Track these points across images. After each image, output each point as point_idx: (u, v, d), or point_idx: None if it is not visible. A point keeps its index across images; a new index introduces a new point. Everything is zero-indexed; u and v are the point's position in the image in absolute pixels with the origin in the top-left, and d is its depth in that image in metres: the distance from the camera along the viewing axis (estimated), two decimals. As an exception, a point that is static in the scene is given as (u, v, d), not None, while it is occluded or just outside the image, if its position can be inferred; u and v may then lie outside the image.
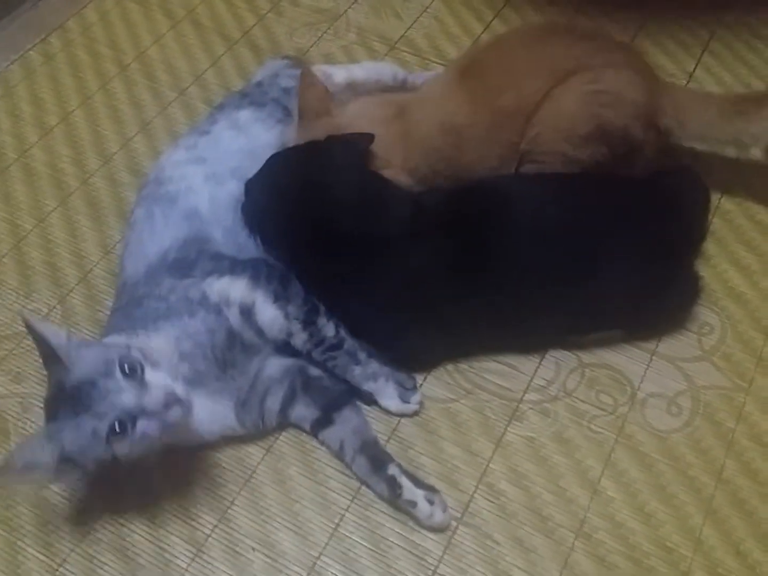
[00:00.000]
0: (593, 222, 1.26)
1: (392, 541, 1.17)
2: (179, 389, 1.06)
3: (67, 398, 1.04)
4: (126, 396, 1.03)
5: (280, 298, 1.23)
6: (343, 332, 1.26)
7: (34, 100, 1.73)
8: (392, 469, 1.19)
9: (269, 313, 1.22)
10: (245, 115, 1.43)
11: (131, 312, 1.22)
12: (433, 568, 1.15)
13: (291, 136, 1.36)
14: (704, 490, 1.20)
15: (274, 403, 1.23)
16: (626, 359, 1.33)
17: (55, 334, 1.07)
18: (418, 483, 1.18)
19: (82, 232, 1.52)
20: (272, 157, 1.29)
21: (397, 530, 1.18)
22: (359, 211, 1.23)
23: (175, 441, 1.13)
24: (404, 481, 1.18)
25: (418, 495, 1.17)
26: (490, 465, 1.23)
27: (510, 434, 1.26)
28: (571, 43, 1.36)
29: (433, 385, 1.31)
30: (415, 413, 1.28)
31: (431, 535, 1.17)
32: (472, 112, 1.33)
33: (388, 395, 1.27)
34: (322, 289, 1.25)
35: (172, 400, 1.04)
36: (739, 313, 1.37)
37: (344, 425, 1.23)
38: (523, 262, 1.23)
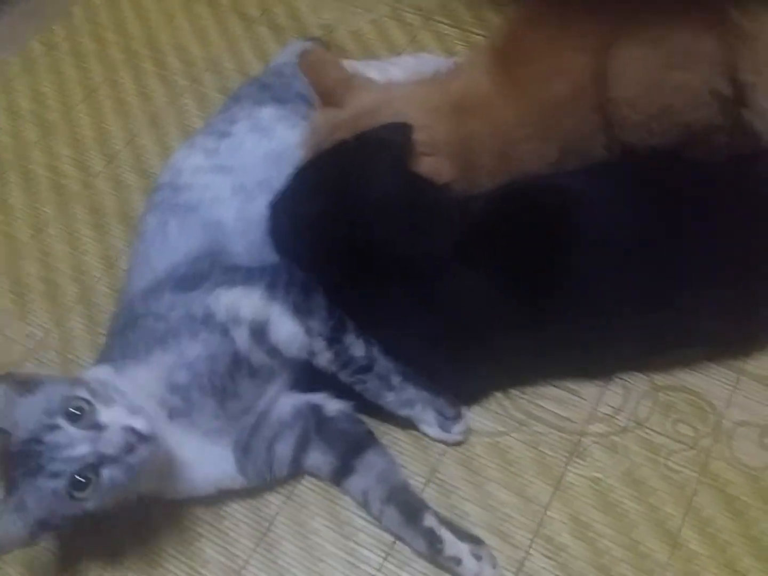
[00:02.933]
0: (676, 224, 1.06)
1: (434, 609, 1.00)
2: (139, 423, 0.92)
3: (19, 463, 0.91)
4: (79, 447, 0.90)
5: (300, 310, 1.05)
6: (375, 351, 1.08)
7: (34, 95, 1.58)
8: (429, 520, 1.02)
9: (287, 329, 1.05)
10: (268, 113, 1.25)
11: (126, 335, 1.07)
12: (483, 641, 0.98)
13: (315, 127, 1.15)
14: (809, 542, 1.00)
15: (284, 449, 1.06)
16: (708, 380, 1.13)
17: None
18: (460, 535, 1.01)
19: (83, 242, 1.36)
20: (297, 171, 1.09)
21: (440, 596, 1.01)
22: (404, 228, 1.03)
23: (163, 488, 1.01)
24: (445, 534, 1.01)
25: (462, 550, 1.00)
26: (548, 513, 1.05)
27: (571, 474, 1.07)
28: None
29: (479, 415, 1.13)
30: (458, 443, 1.11)
31: (480, 603, 1.00)
32: (520, 110, 1.10)
33: (427, 423, 1.11)
34: (359, 316, 1.08)
35: (133, 439, 0.91)
36: (843, 321, 1.16)
37: (367, 473, 1.06)
38: (594, 276, 1.03)
